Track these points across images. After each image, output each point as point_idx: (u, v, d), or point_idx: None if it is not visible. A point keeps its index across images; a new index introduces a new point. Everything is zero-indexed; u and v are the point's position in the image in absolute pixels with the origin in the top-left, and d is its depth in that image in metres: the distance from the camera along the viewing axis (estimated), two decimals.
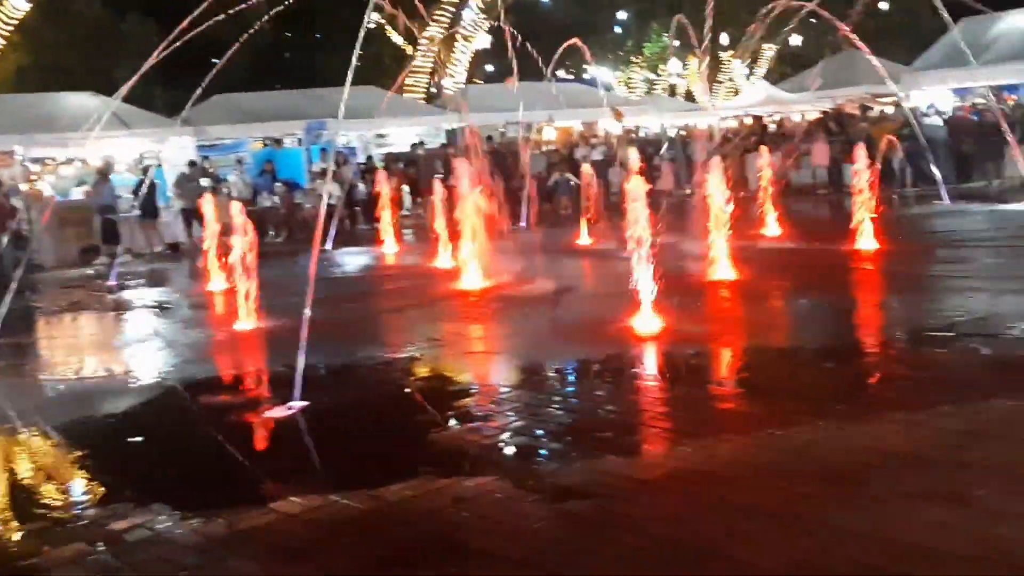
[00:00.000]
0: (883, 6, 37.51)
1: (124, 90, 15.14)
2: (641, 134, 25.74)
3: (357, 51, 9.40)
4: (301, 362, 6.83)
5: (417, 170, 19.66)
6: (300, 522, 4.69)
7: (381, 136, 19.68)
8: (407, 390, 7.27)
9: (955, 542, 3.81)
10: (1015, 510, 4.05)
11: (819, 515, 4.20)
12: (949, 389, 5.94)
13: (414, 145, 23.21)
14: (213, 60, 15.62)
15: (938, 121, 21.34)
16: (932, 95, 23.17)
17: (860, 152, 13.34)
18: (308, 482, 5.26)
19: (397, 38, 33.83)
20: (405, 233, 18.08)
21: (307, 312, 7.28)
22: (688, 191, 22.31)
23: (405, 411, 6.73)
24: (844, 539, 3.95)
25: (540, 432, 5.78)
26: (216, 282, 12.80)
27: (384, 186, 17.26)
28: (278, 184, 20.90)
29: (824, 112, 25.07)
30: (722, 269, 10.47)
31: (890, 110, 24.07)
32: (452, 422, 6.21)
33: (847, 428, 5.32)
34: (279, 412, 6.60)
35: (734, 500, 4.46)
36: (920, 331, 7.72)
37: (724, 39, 35.14)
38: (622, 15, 37.14)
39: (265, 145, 24.97)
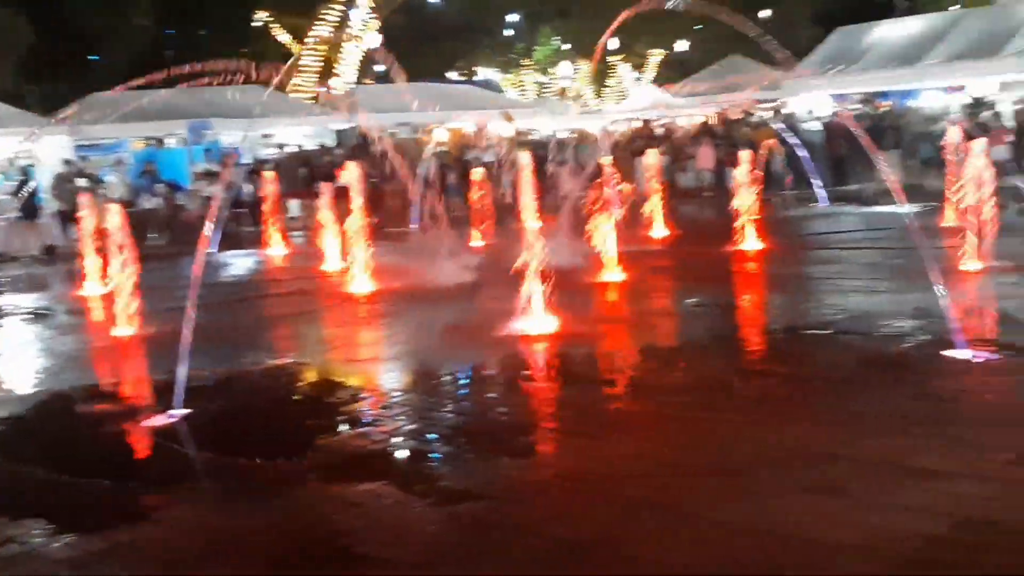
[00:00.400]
0: (763, 14, 38.65)
1: None
2: (532, 137, 25.89)
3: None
4: (183, 368, 6.62)
5: (279, 172, 19.25)
6: (181, 533, 4.55)
7: (267, 136, 19.29)
8: (294, 396, 7.13)
9: (832, 532, 3.94)
10: (888, 500, 4.21)
11: (705, 509, 4.29)
12: (827, 384, 6.15)
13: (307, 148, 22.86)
14: (91, 57, 15.02)
15: (816, 126, 22.12)
16: (810, 101, 23.98)
17: (743, 156, 13.75)
18: (190, 492, 5.11)
19: (284, 36, 33.25)
20: (293, 236, 17.77)
21: (190, 317, 7.06)
22: (579, 194, 22.61)
23: (292, 417, 6.59)
24: (728, 531, 4.04)
25: (431, 435, 5.75)
26: (94, 287, 12.34)
27: (271, 188, 16.91)
28: (160, 185, 20.28)
29: (707, 117, 25.72)
30: (611, 270, 10.62)
31: (771, 115, 24.78)
32: (341, 427, 6.12)
33: (732, 423, 5.45)
34: (160, 420, 6.39)
35: (624, 497, 4.52)
36: (800, 328, 7.97)
37: (613, 43, 35.69)
38: (512, 18, 37.30)
39: (147, 145, 24.22)
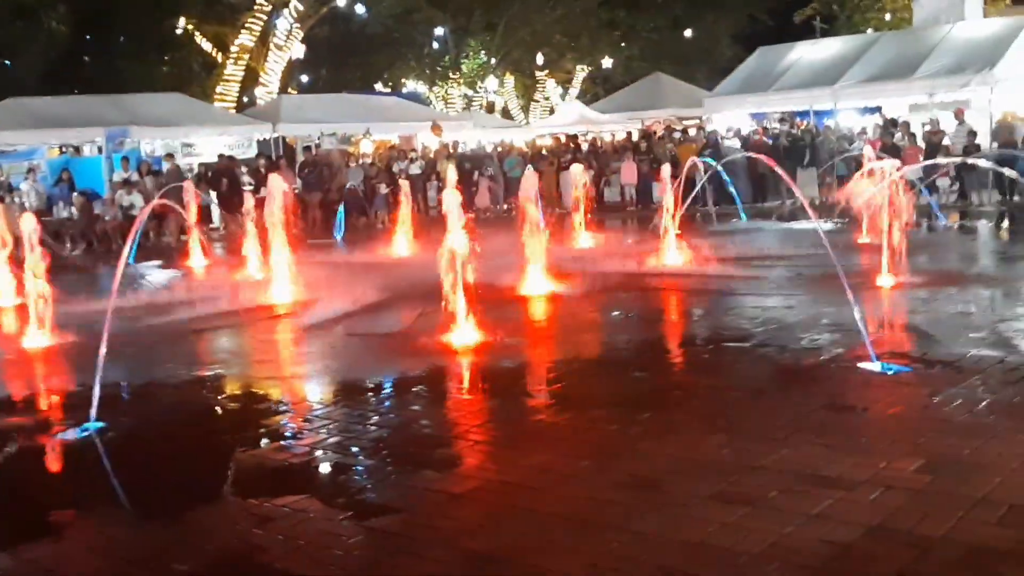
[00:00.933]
0: (687, 34, 39.38)
1: None
2: (459, 150, 25.94)
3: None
4: (98, 381, 6.46)
5: (200, 182, 18.97)
6: (93, 551, 4.43)
7: (188, 146, 18.99)
8: (213, 409, 7.01)
9: (747, 542, 4.01)
10: (801, 510, 4.30)
11: (623, 520, 4.33)
12: (743, 396, 6.26)
13: (221, 156, 22.52)
14: (4, 63, 14.62)
15: (737, 143, 22.58)
16: (731, 118, 24.50)
17: (665, 171, 13.97)
18: (102, 508, 4.99)
19: (207, 45, 32.75)
20: (214, 247, 17.48)
21: (105, 328, 6.89)
22: (505, 207, 22.72)
23: (210, 431, 6.48)
24: (646, 542, 4.09)
25: (352, 449, 5.70)
26: (6, 297, 11.97)
27: (192, 198, 16.61)
28: (76, 194, 19.80)
29: (629, 132, 26.08)
30: (536, 283, 10.68)
31: (693, 132, 25.23)
32: (261, 441, 6.03)
33: (651, 435, 5.52)
34: (72, 435, 6.22)
35: (543, 509, 4.54)
36: (718, 341, 8.11)
37: (539, 59, 35.99)
38: (439, 31, 37.33)
39: (62, 153, 23.63)
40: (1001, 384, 6.14)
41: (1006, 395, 5.91)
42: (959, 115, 19.82)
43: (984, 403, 5.76)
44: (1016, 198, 18.51)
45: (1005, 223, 16.63)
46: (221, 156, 21.80)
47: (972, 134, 19.26)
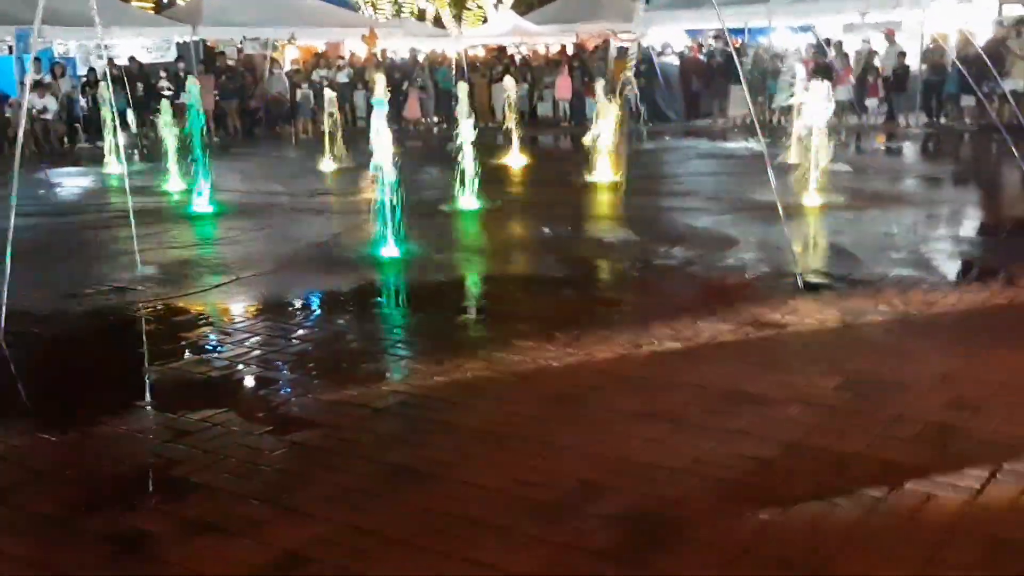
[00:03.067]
0: None
1: None
2: (389, 59, 25.26)
3: None
4: (4, 292, 6.20)
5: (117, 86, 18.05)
6: (2, 462, 4.29)
7: (104, 47, 18.13)
8: (131, 322, 6.80)
9: (668, 457, 4.03)
10: (719, 425, 4.34)
11: (544, 435, 4.32)
12: (667, 313, 6.26)
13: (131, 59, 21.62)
14: None
15: (673, 60, 22.43)
16: (667, 34, 24.27)
17: (599, 87, 13.81)
18: (10, 419, 4.82)
19: None
20: (131, 153, 16.88)
21: (14, 236, 6.59)
22: (436, 120, 22.35)
23: (127, 344, 6.29)
24: (566, 457, 4.09)
25: (274, 363, 5.59)
26: None
27: (106, 102, 15.93)
28: None
29: (564, 46, 25.71)
30: (466, 197, 10.54)
31: (629, 48, 24.94)
32: (180, 354, 5.88)
33: (574, 352, 5.50)
34: None
35: (464, 424, 4.52)
36: (647, 259, 8.11)
37: None
38: None
39: None
40: (920, 304, 6.24)
41: (924, 315, 6.03)
42: (890, 36, 19.91)
43: (902, 323, 5.86)
44: (943, 120, 18.78)
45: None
46: (132, 59, 20.93)
47: (902, 55, 19.39)
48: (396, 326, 6.42)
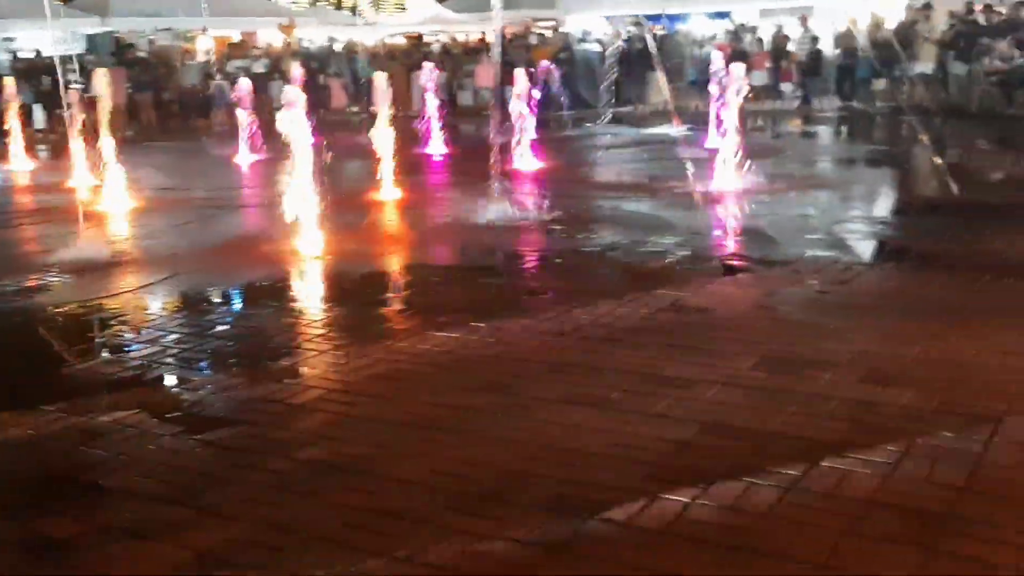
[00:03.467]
0: None
1: None
2: (305, 48, 24.89)
3: None
4: None
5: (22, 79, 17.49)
6: None
7: (8, 40, 17.50)
8: (40, 321, 6.57)
9: (593, 442, 4.03)
10: (640, 409, 4.35)
11: (469, 425, 4.29)
12: (588, 299, 6.27)
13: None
14: None
15: (595, 47, 22.52)
16: (586, 21, 24.38)
17: (520, 75, 13.77)
18: None
19: None
20: (38, 149, 16.36)
21: None
22: (356, 109, 22.10)
23: (35, 344, 6.08)
24: (493, 446, 4.06)
25: (190, 360, 5.46)
26: None
27: (13, 97, 15.41)
28: None
29: (484, 33, 25.60)
30: (386, 188, 10.44)
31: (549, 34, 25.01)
32: (91, 354, 5.71)
33: (496, 340, 5.48)
34: None
35: (387, 417, 4.46)
36: (570, 246, 8.12)
37: None
38: None
39: None
40: (835, 283, 6.36)
41: (839, 294, 6.15)
42: (804, 21, 20.29)
43: (818, 302, 5.97)
44: (856, 103, 19.20)
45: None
46: (37, 53, 20.27)
47: (815, 40, 19.77)
48: (315, 320, 6.31)
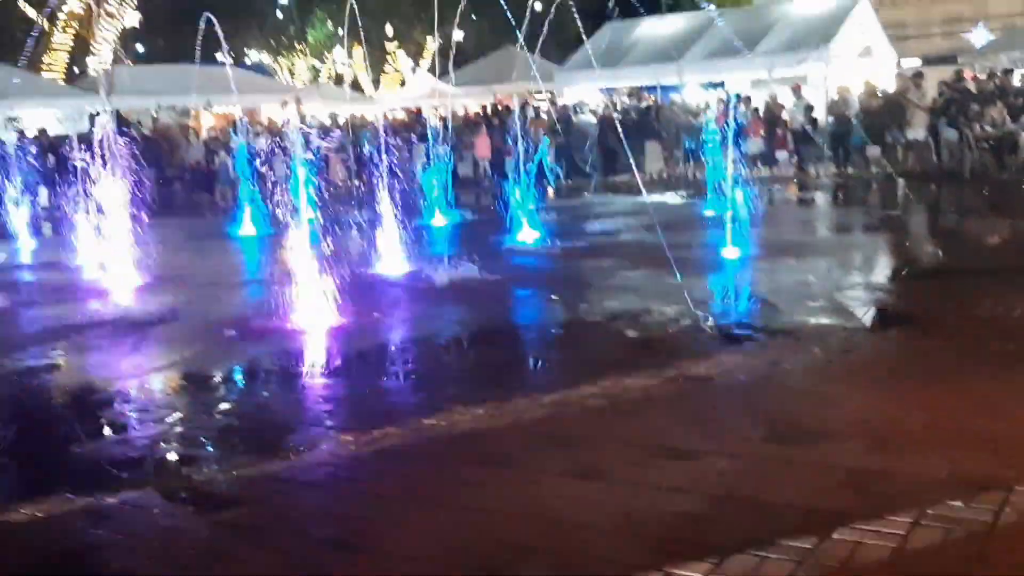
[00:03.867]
0: (537, 6, 39.49)
1: None
2: (307, 123, 25.24)
3: None
4: None
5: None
6: None
7: (12, 119, 17.77)
8: (47, 401, 6.58)
9: (597, 516, 4.02)
10: (648, 481, 4.35)
11: (474, 498, 4.29)
12: (594, 370, 6.29)
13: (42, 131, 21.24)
14: None
15: (590, 118, 22.84)
16: (582, 93, 24.75)
17: (519, 146, 13.96)
18: None
19: (30, 10, 30.77)
20: (42, 226, 16.50)
21: None
22: (357, 182, 22.32)
23: (41, 424, 6.09)
24: (497, 519, 4.05)
25: (196, 438, 5.45)
26: None
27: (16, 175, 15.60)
28: None
29: (484, 106, 26.00)
30: (388, 260, 10.51)
31: (545, 106, 25.36)
32: (98, 434, 5.70)
33: (502, 412, 5.48)
34: None
35: (392, 492, 4.45)
36: (570, 316, 8.14)
37: (389, 30, 35.44)
38: (284, 0, 36.29)
39: None
40: (838, 351, 6.39)
41: (843, 361, 6.16)
42: (796, 90, 20.59)
43: (822, 370, 5.98)
44: (850, 169, 19.41)
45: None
46: (41, 131, 20.56)
47: (809, 108, 20.05)
48: (320, 396, 6.32)
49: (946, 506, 3.91)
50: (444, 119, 25.23)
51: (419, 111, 25.62)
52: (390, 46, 39.73)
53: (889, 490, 4.13)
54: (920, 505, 3.92)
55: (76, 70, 31.09)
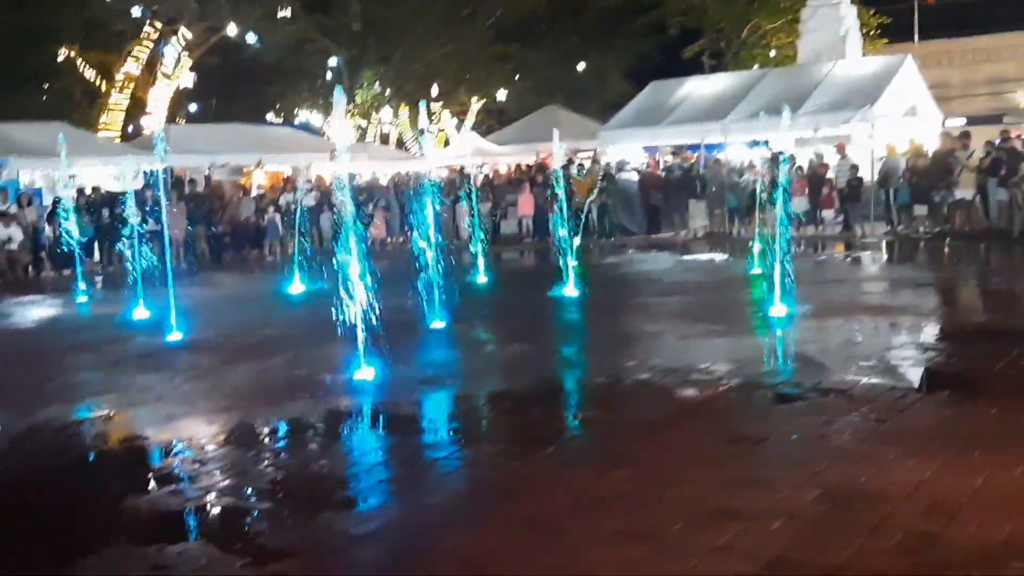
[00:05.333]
0: (579, 67, 40.01)
1: None
2: (354, 181, 25.67)
3: None
4: None
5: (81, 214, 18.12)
6: None
7: (71, 177, 18.27)
8: (101, 453, 6.70)
9: None
10: (701, 544, 4.32)
11: (520, 562, 4.27)
12: (643, 430, 6.29)
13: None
14: None
15: (633, 176, 22.98)
16: (624, 151, 24.92)
17: (562, 204, 14.08)
18: None
19: (90, 73, 31.74)
20: (97, 281, 16.85)
21: None
22: (401, 239, 22.60)
23: (97, 477, 6.21)
24: None
25: (249, 491, 5.51)
26: None
27: (75, 230, 15.98)
28: None
29: (528, 165, 26.24)
30: (435, 315, 10.60)
31: (588, 164, 25.56)
32: (152, 486, 5.79)
33: (550, 472, 5.48)
34: None
35: (436, 551, 4.46)
36: (617, 375, 8.11)
37: (434, 91, 36.02)
38: (333, 61, 37.05)
39: None
40: (891, 412, 6.32)
41: (896, 423, 6.09)
42: (841, 149, 20.59)
43: (875, 431, 5.92)
44: (898, 229, 19.30)
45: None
46: (95, 189, 21.07)
47: (854, 167, 20.03)
48: (369, 450, 6.37)
49: (1006, 571, 3.85)
50: (488, 177, 25.60)
51: (462, 169, 25.94)
52: (435, 106, 40.39)
53: (947, 555, 4.07)
54: (977, 569, 3.86)
55: (131, 129, 31.92)
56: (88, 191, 20.84)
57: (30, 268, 19.38)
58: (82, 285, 15.25)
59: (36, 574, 4.51)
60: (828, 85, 22.20)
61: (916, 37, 34.41)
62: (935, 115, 23.65)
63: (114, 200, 19.74)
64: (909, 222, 19.35)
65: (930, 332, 9.71)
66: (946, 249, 16.57)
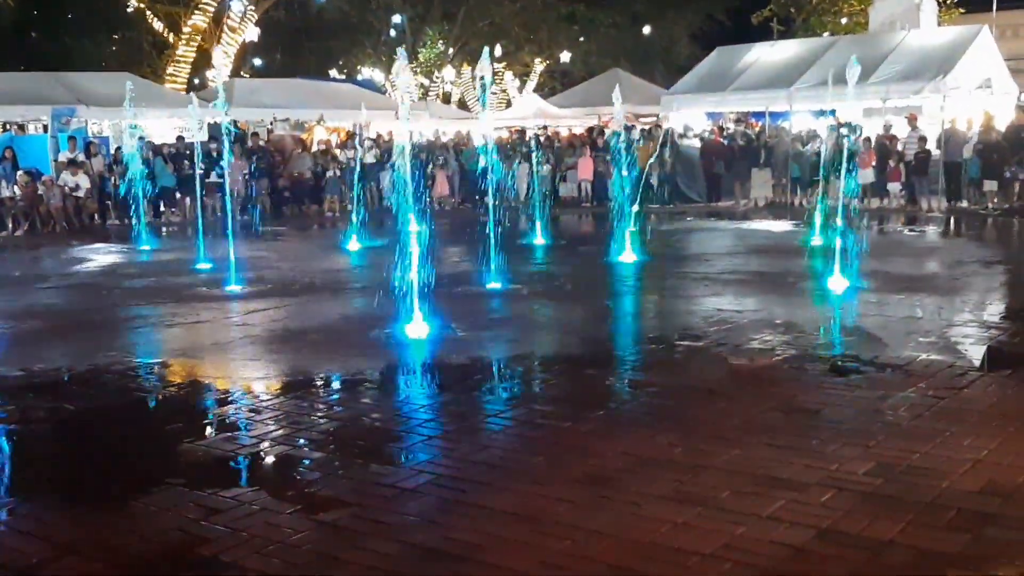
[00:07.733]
0: (645, 31, 39.50)
1: None
2: (415, 140, 25.71)
3: None
4: (40, 366, 6.28)
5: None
6: (29, 537, 4.30)
7: (134, 128, 18.61)
8: (158, 398, 6.86)
9: (699, 542, 3.99)
10: (752, 510, 4.29)
11: (573, 518, 4.29)
12: (696, 396, 6.26)
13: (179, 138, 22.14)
14: None
15: (695, 143, 22.69)
16: (688, 117, 24.59)
17: (621, 169, 13.98)
18: (42, 494, 4.85)
19: (158, 24, 32.11)
20: (163, 231, 17.16)
21: (47, 312, 6.71)
22: (461, 199, 22.65)
23: (155, 420, 6.35)
24: (596, 541, 4.05)
25: (301, 441, 5.60)
26: None
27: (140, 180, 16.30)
28: (20, 173, 19.28)
29: (589, 128, 26.04)
30: (492, 275, 10.62)
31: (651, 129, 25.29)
32: (207, 432, 5.92)
33: (603, 433, 5.48)
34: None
35: (491, 505, 4.49)
36: (672, 340, 8.09)
37: (497, 51, 35.84)
38: (397, 19, 37.03)
39: (6, 130, 23.04)
40: (948, 389, 6.20)
41: (953, 400, 5.98)
42: (912, 120, 20.10)
43: (932, 407, 5.82)
44: (965, 204, 18.84)
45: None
46: (180, 138, 21.41)
47: (923, 139, 19.55)
48: (422, 405, 6.43)
49: None
50: (549, 139, 25.45)
51: (523, 131, 25.83)
52: (498, 66, 40.17)
53: (1003, 535, 3.99)
54: None
55: (197, 81, 32.29)
56: (173, 140, 21.21)
57: (96, 216, 19.79)
58: (149, 233, 15.56)
59: (99, 508, 4.63)
60: (900, 54, 21.60)
61: (994, 7, 33.30)
62: (1011, 88, 22.93)
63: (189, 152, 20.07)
64: (978, 197, 18.87)
65: (993, 311, 9.49)
66: (1014, 226, 16.13)
